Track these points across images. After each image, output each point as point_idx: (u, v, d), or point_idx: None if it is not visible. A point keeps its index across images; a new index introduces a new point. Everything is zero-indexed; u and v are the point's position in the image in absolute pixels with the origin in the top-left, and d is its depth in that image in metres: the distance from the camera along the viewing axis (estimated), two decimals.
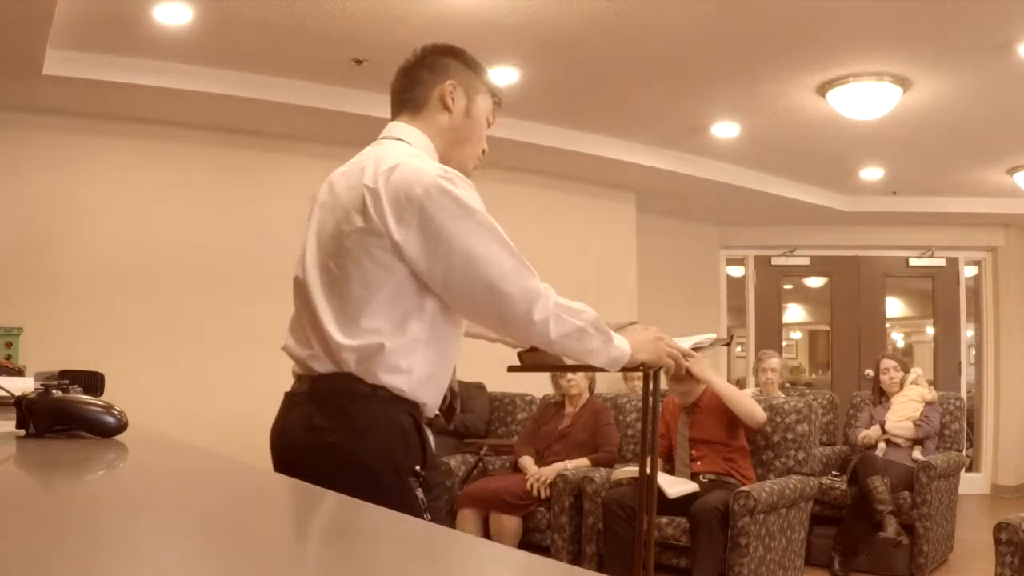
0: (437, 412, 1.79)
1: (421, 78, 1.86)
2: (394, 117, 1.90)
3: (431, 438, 1.73)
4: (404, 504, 1.61)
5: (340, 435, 1.63)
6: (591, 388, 4.90)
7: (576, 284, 3.64)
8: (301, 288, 1.75)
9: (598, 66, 4.52)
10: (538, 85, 4.71)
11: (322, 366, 1.67)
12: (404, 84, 1.88)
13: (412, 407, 1.67)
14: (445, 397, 1.79)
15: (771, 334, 8.24)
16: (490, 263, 1.61)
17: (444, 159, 1.81)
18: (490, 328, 1.80)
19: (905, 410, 5.19)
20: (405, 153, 1.73)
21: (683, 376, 4.08)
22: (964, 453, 5.45)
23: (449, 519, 4.35)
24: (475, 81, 1.88)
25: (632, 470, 4.01)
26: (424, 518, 1.64)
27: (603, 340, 1.75)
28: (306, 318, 1.73)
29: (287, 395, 1.81)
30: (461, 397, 4.11)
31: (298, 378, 1.78)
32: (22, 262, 4.60)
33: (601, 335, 1.74)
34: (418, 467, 1.66)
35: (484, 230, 1.63)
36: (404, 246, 1.60)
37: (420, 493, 1.65)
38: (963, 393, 7.50)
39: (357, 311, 1.63)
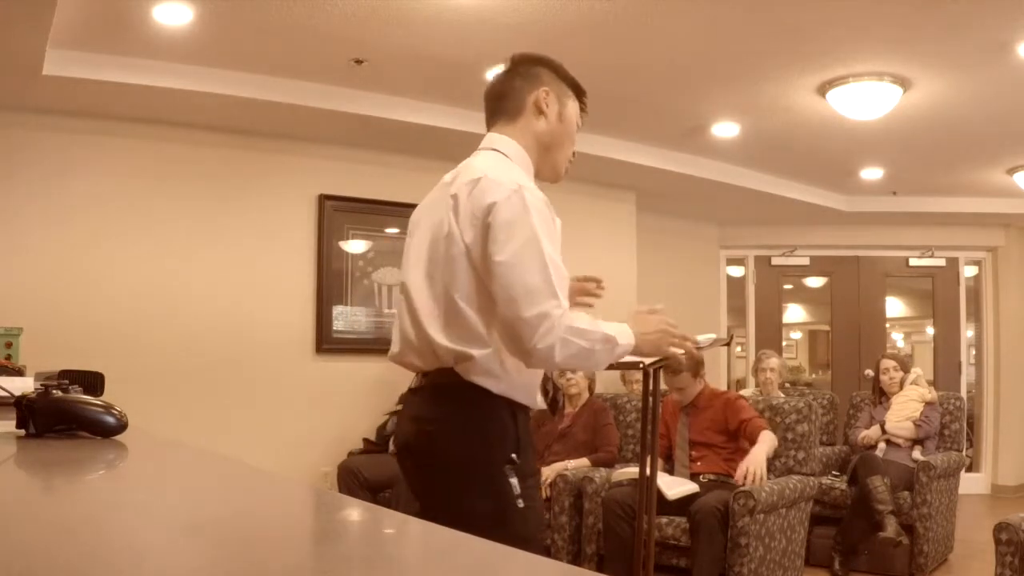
0: (544, 405, 1.97)
1: (515, 86, 1.95)
2: (490, 127, 1.98)
3: (527, 429, 1.85)
4: (497, 492, 1.75)
5: (439, 425, 1.77)
6: (591, 388, 4.90)
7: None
8: (405, 293, 1.87)
9: (598, 66, 4.51)
10: None
11: (427, 363, 1.80)
12: (499, 93, 1.96)
13: (509, 404, 1.79)
14: (548, 391, 1.92)
15: (771, 334, 8.24)
16: (519, 277, 1.70)
17: (540, 163, 1.94)
18: (505, 340, 1.79)
19: (905, 410, 5.19)
20: (494, 164, 1.83)
21: (679, 370, 4.10)
22: (964, 453, 5.45)
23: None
24: (565, 87, 1.99)
25: (632, 470, 4.01)
26: (517, 505, 1.75)
27: (608, 349, 1.79)
28: (410, 320, 1.84)
29: (406, 392, 1.96)
30: None
31: (414, 376, 1.91)
32: (22, 262, 4.60)
33: (607, 345, 1.78)
34: (513, 455, 1.77)
35: (531, 245, 1.71)
36: (472, 250, 1.73)
37: (515, 482, 1.76)
38: (963, 393, 7.49)
39: (448, 314, 1.76)
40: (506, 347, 1.76)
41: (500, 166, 1.82)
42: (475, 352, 1.73)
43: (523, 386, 1.81)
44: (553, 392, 2.04)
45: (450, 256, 1.75)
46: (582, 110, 2.04)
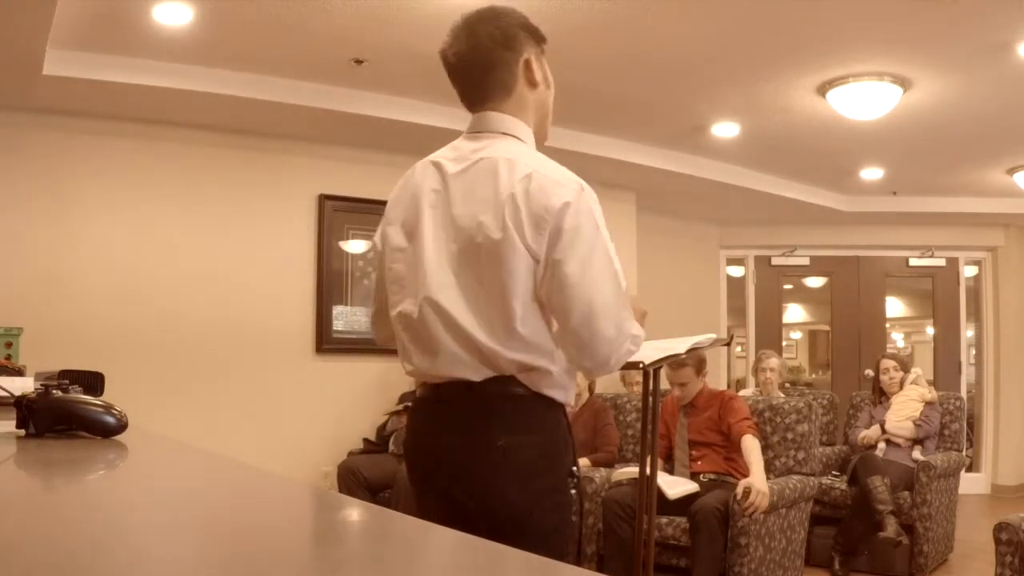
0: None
1: (498, 58, 1.72)
2: (476, 104, 1.76)
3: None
4: (561, 503, 1.68)
5: (508, 437, 1.63)
6: (591, 388, 4.90)
7: None
8: (432, 305, 1.64)
9: (598, 66, 4.51)
10: None
11: (478, 375, 1.63)
12: (483, 64, 1.73)
13: (564, 410, 1.72)
14: None
15: (771, 334, 8.24)
16: (596, 289, 1.59)
17: (536, 135, 1.78)
18: (567, 353, 1.69)
19: (905, 410, 5.19)
20: (529, 154, 1.68)
21: (685, 363, 4.11)
22: (964, 453, 5.45)
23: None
24: (535, 42, 1.79)
25: (632, 470, 4.01)
26: (571, 519, 1.70)
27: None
28: (447, 333, 1.63)
29: (425, 403, 1.76)
30: None
31: (436, 387, 1.71)
32: (22, 262, 4.60)
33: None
34: (574, 468, 1.71)
35: (602, 254, 1.62)
36: (538, 255, 1.58)
37: (574, 493, 1.70)
38: (963, 393, 7.49)
39: (506, 324, 1.60)
40: (570, 357, 1.68)
41: (535, 156, 1.69)
42: (551, 366, 1.63)
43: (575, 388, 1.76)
44: None
45: (509, 264, 1.58)
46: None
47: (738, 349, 8.78)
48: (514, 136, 1.72)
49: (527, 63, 1.74)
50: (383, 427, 5.14)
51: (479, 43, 1.72)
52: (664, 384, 3.96)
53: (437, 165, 1.73)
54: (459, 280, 1.63)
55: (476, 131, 1.75)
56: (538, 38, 1.80)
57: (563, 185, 1.61)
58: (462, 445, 1.65)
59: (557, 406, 1.68)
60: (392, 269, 1.74)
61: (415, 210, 1.71)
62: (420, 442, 1.76)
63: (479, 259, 1.61)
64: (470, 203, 1.64)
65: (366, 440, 5.19)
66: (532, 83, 1.75)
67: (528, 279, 1.59)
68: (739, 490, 3.76)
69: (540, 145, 1.80)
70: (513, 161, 1.64)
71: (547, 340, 1.64)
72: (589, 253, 1.59)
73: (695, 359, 4.10)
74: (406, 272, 1.71)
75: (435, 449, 1.70)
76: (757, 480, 3.80)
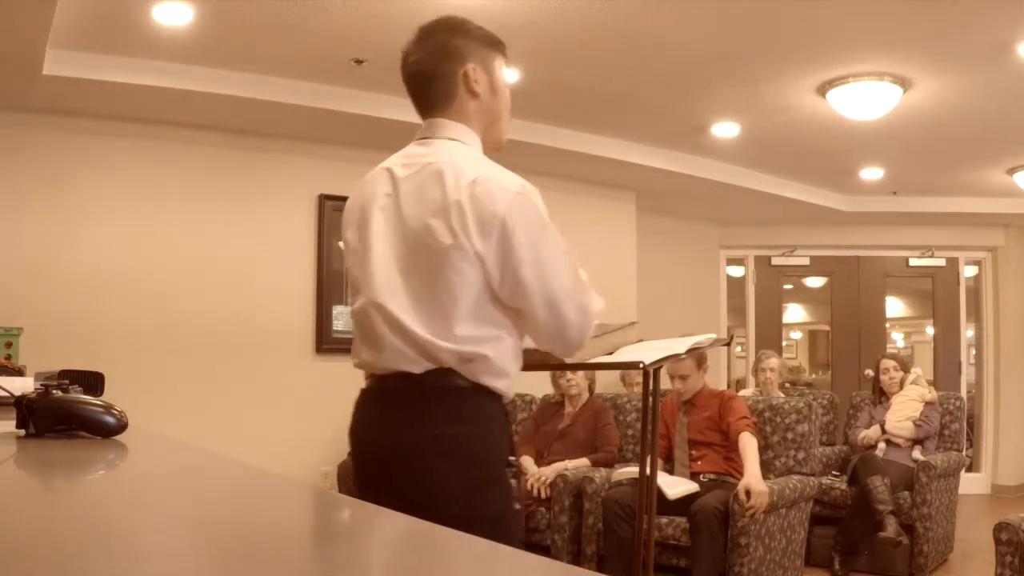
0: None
1: (440, 71, 1.81)
2: (425, 112, 1.85)
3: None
4: (503, 492, 1.75)
5: (447, 427, 1.70)
6: (591, 388, 4.90)
7: None
8: (376, 306, 1.73)
9: (598, 66, 4.52)
10: (538, 85, 4.71)
11: (418, 367, 1.70)
12: (425, 76, 1.82)
13: (503, 400, 1.78)
14: None
15: (771, 334, 8.24)
16: (553, 281, 1.70)
17: (485, 141, 1.85)
18: (539, 343, 1.81)
19: (905, 410, 5.19)
20: (473, 159, 1.76)
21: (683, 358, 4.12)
22: (964, 453, 5.45)
23: None
24: (485, 51, 1.86)
25: (632, 470, 4.01)
26: (514, 508, 1.75)
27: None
28: (388, 330, 1.71)
29: (368, 392, 1.83)
30: None
31: (381, 378, 1.78)
32: (22, 262, 4.60)
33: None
34: (511, 457, 1.77)
35: (554, 247, 1.71)
36: (485, 259, 1.66)
37: (513, 482, 1.76)
38: (963, 393, 7.49)
39: (449, 320, 1.68)
40: (543, 347, 1.79)
41: (478, 160, 1.76)
42: (489, 352, 1.69)
43: (517, 379, 1.80)
44: None
45: (456, 266, 1.66)
46: (504, 58, 1.90)
47: (738, 349, 8.78)
48: (459, 141, 1.80)
49: (465, 75, 1.80)
50: None
51: (423, 55, 1.82)
52: (664, 384, 3.96)
53: (389, 171, 1.81)
54: (405, 280, 1.72)
55: (425, 137, 1.83)
56: (492, 46, 1.87)
57: (507, 188, 1.69)
58: (402, 435, 1.72)
59: (496, 397, 1.74)
60: (350, 271, 1.86)
61: (367, 214, 1.80)
62: (363, 431, 1.82)
63: (427, 261, 1.69)
64: (419, 205, 1.72)
65: None
66: (472, 93, 1.82)
67: (477, 280, 1.67)
68: (740, 495, 3.76)
69: (495, 151, 1.87)
70: (459, 167, 1.71)
71: (491, 331, 1.71)
72: (540, 250, 1.68)
73: (696, 353, 4.12)
74: (359, 273, 1.80)
75: (377, 439, 1.77)
76: (753, 480, 3.80)
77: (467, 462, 1.70)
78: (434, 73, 1.81)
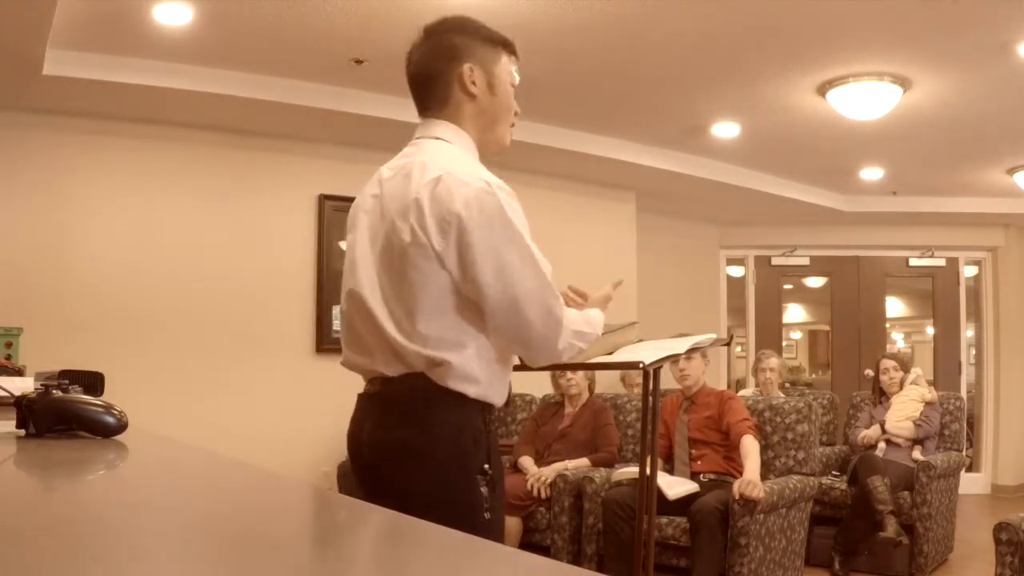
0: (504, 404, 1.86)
1: (436, 71, 1.79)
2: (423, 114, 1.83)
3: (495, 433, 1.80)
4: (469, 501, 1.69)
5: (412, 432, 1.68)
6: (591, 388, 4.90)
7: (576, 284, 3.64)
8: (356, 299, 1.75)
9: (598, 66, 4.52)
10: (538, 85, 4.70)
11: (392, 370, 1.70)
12: (423, 77, 1.81)
13: (482, 406, 1.72)
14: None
15: (771, 334, 8.24)
16: (515, 281, 1.65)
17: (482, 143, 1.82)
18: (503, 345, 1.75)
19: (905, 410, 5.19)
20: (448, 157, 1.72)
21: (691, 359, 4.15)
22: (964, 453, 5.45)
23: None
24: (487, 50, 1.81)
25: (632, 470, 4.01)
26: (484, 517, 1.70)
27: (592, 340, 1.85)
28: (366, 327, 1.73)
29: (360, 396, 1.84)
30: None
31: (370, 380, 1.79)
32: (22, 262, 4.60)
33: (595, 334, 1.85)
34: (486, 466, 1.72)
35: (514, 247, 1.65)
36: (445, 258, 1.63)
37: (485, 491, 1.71)
38: (963, 393, 7.49)
39: (413, 319, 1.66)
40: (515, 352, 1.75)
41: (454, 158, 1.72)
42: (452, 357, 1.65)
43: (499, 386, 1.75)
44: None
45: (416, 264, 1.64)
46: (514, 58, 1.85)
47: (738, 349, 8.78)
48: (444, 140, 1.78)
49: (461, 74, 1.77)
50: None
51: (422, 55, 1.81)
52: (664, 384, 3.96)
53: (380, 173, 1.82)
54: (380, 280, 1.71)
55: (416, 137, 1.82)
56: (496, 45, 1.83)
57: (468, 185, 1.64)
58: (377, 438, 1.73)
59: (470, 403, 1.69)
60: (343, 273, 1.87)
61: (355, 218, 1.82)
62: (350, 434, 1.84)
63: (396, 260, 1.68)
64: (391, 205, 1.71)
65: None
66: (468, 94, 1.78)
67: (438, 280, 1.64)
68: (736, 493, 3.76)
69: (497, 154, 1.85)
70: (428, 165, 1.69)
71: (456, 335, 1.67)
72: (500, 249, 1.63)
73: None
74: (345, 275, 1.82)
75: (356, 441, 1.79)
76: (750, 477, 3.81)
77: (431, 468, 1.67)
78: (430, 72, 1.79)
